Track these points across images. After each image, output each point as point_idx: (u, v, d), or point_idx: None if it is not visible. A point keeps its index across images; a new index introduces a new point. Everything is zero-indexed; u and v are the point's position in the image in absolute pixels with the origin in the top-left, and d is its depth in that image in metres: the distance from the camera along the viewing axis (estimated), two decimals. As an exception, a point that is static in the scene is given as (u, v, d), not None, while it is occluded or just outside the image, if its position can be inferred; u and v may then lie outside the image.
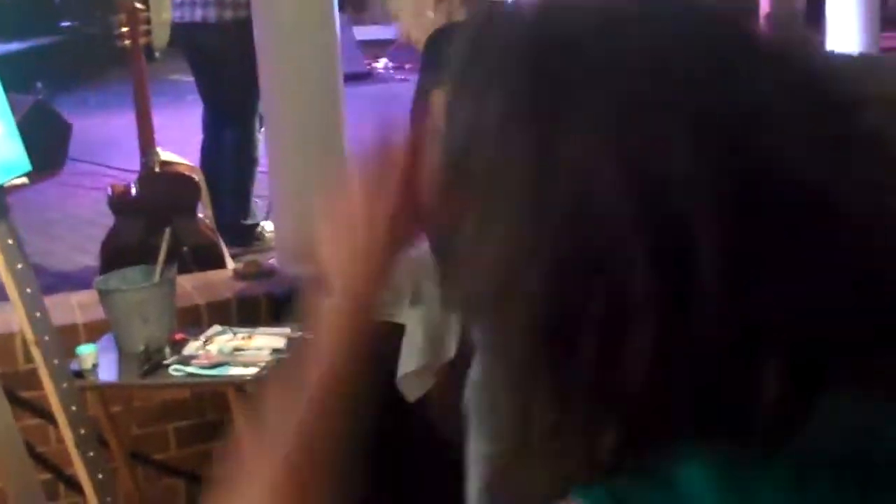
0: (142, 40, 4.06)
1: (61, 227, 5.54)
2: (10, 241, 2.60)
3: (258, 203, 5.02)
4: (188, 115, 7.99)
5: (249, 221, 4.93)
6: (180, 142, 5.31)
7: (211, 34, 4.80)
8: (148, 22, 4.16)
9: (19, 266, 2.61)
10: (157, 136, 4.28)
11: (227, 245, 4.36)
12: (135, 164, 4.44)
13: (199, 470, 3.51)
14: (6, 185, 2.63)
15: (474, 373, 2.54)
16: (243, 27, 4.30)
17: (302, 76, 3.81)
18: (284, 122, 3.89)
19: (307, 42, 3.79)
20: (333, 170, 3.90)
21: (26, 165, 2.65)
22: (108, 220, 4.32)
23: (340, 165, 3.93)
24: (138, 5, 4.14)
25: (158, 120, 4.35)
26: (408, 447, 3.08)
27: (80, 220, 5.60)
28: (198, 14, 4.80)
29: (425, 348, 3.10)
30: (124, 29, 4.02)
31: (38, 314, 2.65)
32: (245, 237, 4.87)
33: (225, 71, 4.82)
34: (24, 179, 2.72)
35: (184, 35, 4.97)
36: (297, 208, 3.88)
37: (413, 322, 3.09)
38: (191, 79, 5.33)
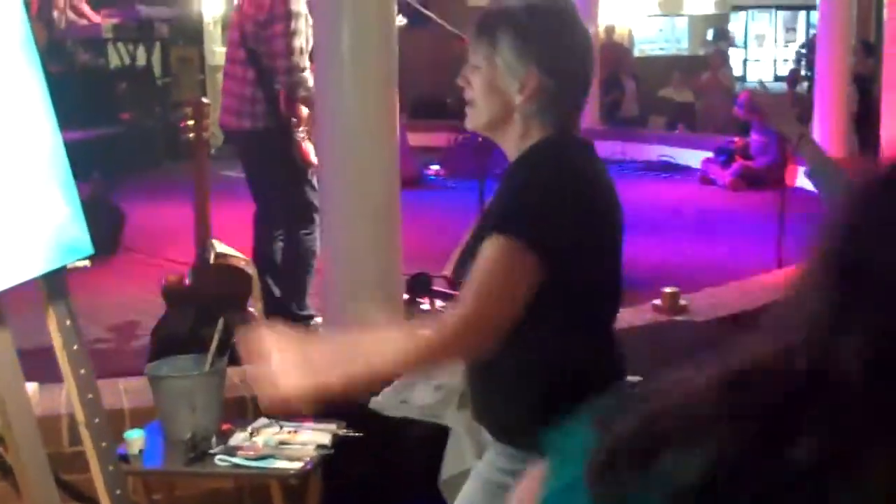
0: (205, 134, 4.13)
1: (110, 312, 5.59)
2: (67, 322, 2.62)
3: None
4: (241, 209, 8.09)
5: (305, 312, 4.96)
6: (232, 234, 5.37)
7: (241, 140, 5.13)
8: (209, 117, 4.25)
9: (75, 347, 2.63)
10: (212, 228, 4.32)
11: None
12: (184, 253, 4.46)
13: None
14: (69, 267, 2.67)
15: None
16: (268, 135, 4.89)
17: (362, 182, 3.86)
18: (341, 227, 3.92)
19: (368, 148, 3.83)
20: (388, 274, 3.93)
21: (89, 248, 2.67)
22: (157, 309, 4.36)
23: (395, 270, 3.95)
24: (205, 100, 4.22)
25: (213, 212, 4.40)
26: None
27: (128, 307, 5.65)
28: (232, 122, 5.12)
29: (470, 452, 3.07)
30: (190, 122, 4.09)
31: (89, 396, 2.66)
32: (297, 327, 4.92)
33: (257, 173, 5.16)
34: (87, 262, 2.75)
35: (227, 138, 5.43)
36: (348, 311, 3.89)
37: (459, 425, 3.07)
38: (241, 175, 5.44)
